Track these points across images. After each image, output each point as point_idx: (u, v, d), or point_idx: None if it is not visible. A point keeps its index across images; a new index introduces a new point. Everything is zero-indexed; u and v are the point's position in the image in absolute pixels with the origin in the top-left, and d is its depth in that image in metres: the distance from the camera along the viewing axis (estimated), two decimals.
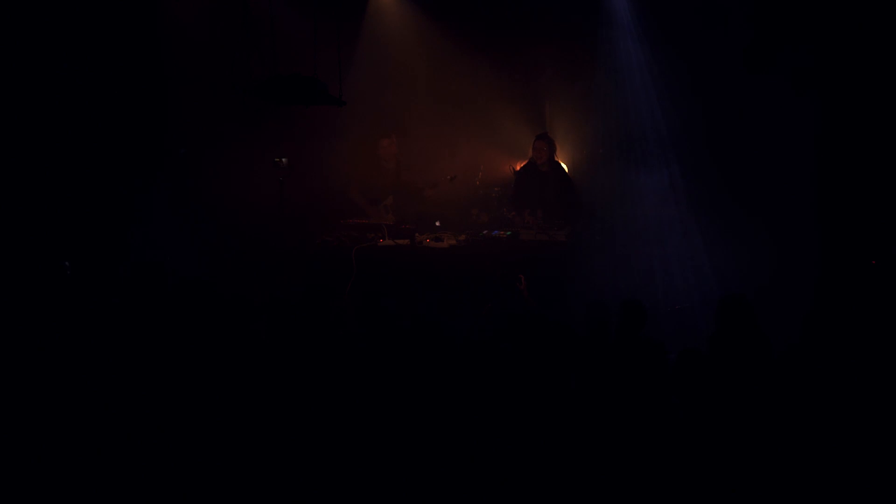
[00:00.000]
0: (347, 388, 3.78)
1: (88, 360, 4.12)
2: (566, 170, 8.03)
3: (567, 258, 6.88)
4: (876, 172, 6.65)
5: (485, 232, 7.31)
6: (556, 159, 7.84)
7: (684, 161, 8.26)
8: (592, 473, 3.28)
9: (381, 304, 4.90)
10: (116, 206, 7.27)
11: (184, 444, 3.52)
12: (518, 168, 7.95)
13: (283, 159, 6.59)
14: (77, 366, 4.07)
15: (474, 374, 3.78)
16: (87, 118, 6.95)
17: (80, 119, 6.90)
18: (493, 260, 6.67)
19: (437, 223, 6.98)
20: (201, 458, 3.45)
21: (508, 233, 7.22)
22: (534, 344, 3.90)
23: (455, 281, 6.48)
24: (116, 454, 3.48)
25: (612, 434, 3.47)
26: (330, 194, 8.16)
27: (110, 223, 7.17)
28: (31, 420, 3.69)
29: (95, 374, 4.00)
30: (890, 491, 3.24)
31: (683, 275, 7.59)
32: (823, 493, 3.24)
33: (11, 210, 6.50)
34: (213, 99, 8.08)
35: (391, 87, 8.87)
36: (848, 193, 6.65)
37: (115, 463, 3.43)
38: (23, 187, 6.51)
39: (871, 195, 6.66)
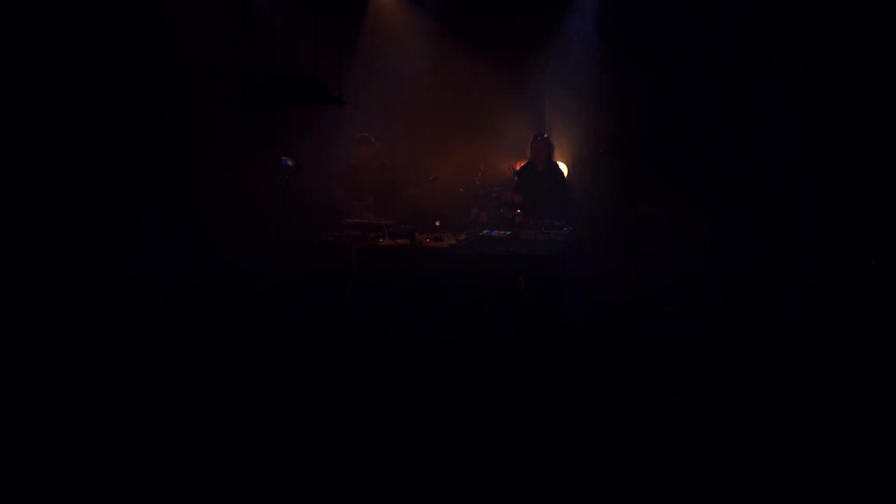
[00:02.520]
0: (346, 388, 3.77)
1: (87, 359, 4.12)
2: (564, 172, 8.03)
3: (567, 258, 6.88)
4: (874, 171, 6.65)
5: (485, 232, 7.31)
6: (554, 160, 7.83)
7: (683, 160, 8.26)
8: (593, 473, 3.28)
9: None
10: (116, 205, 7.27)
11: (183, 444, 3.52)
12: (518, 168, 7.96)
13: (290, 161, 6.59)
14: (76, 365, 4.07)
15: (474, 375, 3.78)
16: (87, 118, 6.94)
17: (80, 119, 6.89)
18: (493, 260, 6.67)
19: (437, 223, 6.98)
20: (200, 459, 3.45)
21: (508, 232, 7.22)
22: (535, 345, 3.89)
23: (455, 280, 6.49)
24: (116, 454, 3.48)
25: (612, 434, 3.47)
26: (330, 194, 8.17)
27: (110, 223, 7.16)
28: (30, 419, 3.69)
29: (95, 373, 3.99)
30: (890, 491, 3.24)
31: (682, 275, 7.59)
32: (823, 494, 3.25)
33: (11, 210, 6.49)
34: (212, 99, 8.07)
35: (391, 87, 8.88)
36: (846, 192, 6.65)
37: (114, 463, 3.43)
38: (22, 187, 6.51)
39: (869, 194, 6.66)
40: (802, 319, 4.56)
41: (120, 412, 3.69)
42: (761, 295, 6.37)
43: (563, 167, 8.15)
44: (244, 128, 8.21)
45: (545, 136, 7.82)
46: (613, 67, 8.39)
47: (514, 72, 8.64)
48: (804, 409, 3.60)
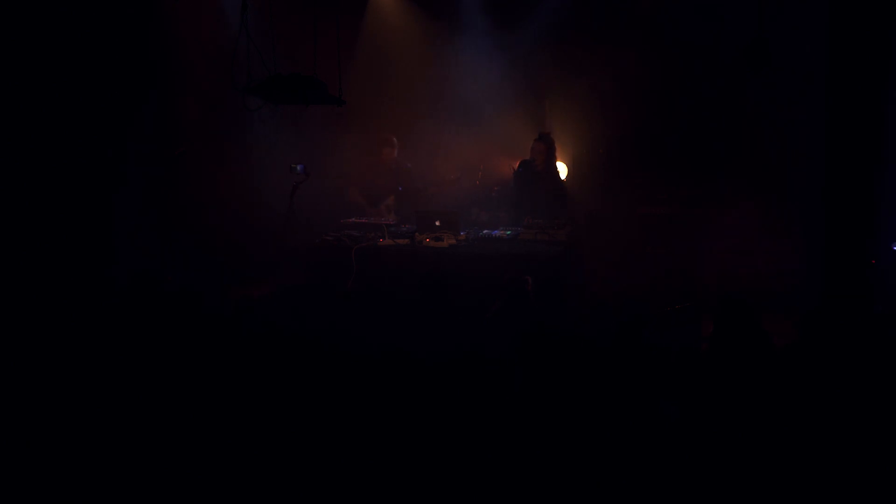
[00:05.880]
0: (343, 395, 3.76)
1: (86, 360, 4.12)
2: (562, 173, 8.02)
3: (567, 258, 6.87)
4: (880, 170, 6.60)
5: (485, 232, 7.31)
6: (554, 161, 7.82)
7: (683, 159, 8.26)
8: (592, 476, 3.27)
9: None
10: (110, 207, 7.24)
11: (182, 445, 3.52)
12: (517, 167, 7.96)
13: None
14: (73, 366, 4.07)
15: (479, 386, 3.76)
16: (79, 117, 6.90)
17: (72, 118, 6.85)
18: (494, 260, 6.65)
19: (437, 223, 6.99)
20: (200, 459, 3.45)
21: (508, 232, 7.23)
22: (540, 354, 3.89)
23: (455, 280, 6.47)
24: (115, 454, 3.48)
25: (612, 436, 3.46)
26: (331, 194, 8.18)
27: (102, 225, 7.13)
28: (30, 420, 3.69)
29: (92, 375, 3.99)
30: (890, 491, 3.24)
31: (682, 274, 7.59)
32: (823, 494, 3.24)
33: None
34: (211, 99, 8.08)
35: (391, 87, 8.89)
36: (851, 191, 6.59)
37: (113, 463, 3.43)
38: (10, 188, 6.47)
39: (875, 192, 6.61)
40: (804, 318, 4.54)
41: (118, 412, 3.68)
42: (763, 293, 6.38)
43: (563, 167, 8.14)
44: (243, 128, 8.22)
45: (546, 135, 7.80)
46: (613, 66, 8.40)
47: (514, 70, 8.65)
48: (804, 408, 3.60)
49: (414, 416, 3.54)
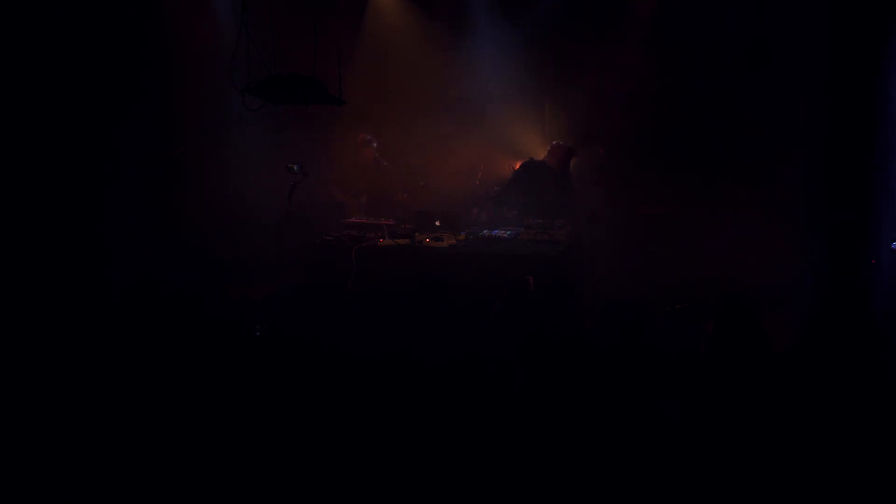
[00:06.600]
0: (344, 389, 3.76)
1: (84, 361, 4.11)
2: (570, 173, 8.04)
3: (567, 258, 6.87)
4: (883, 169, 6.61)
5: (485, 232, 7.31)
6: (568, 167, 7.84)
7: (683, 159, 8.26)
8: (592, 476, 3.27)
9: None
10: (109, 207, 7.23)
11: (183, 445, 3.52)
12: (518, 167, 7.96)
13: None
14: (73, 366, 4.07)
15: (479, 385, 3.76)
16: (76, 116, 6.89)
17: (75, 119, 6.84)
18: (495, 260, 6.65)
19: (437, 223, 6.98)
20: (200, 459, 3.44)
21: (508, 232, 7.23)
22: (542, 353, 3.88)
23: (455, 280, 6.47)
24: (115, 454, 3.48)
25: (612, 436, 3.46)
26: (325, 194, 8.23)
27: (101, 225, 7.12)
28: (30, 420, 3.69)
29: (92, 375, 3.99)
30: (890, 491, 3.23)
31: (682, 274, 7.58)
32: (823, 494, 3.24)
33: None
34: (211, 99, 8.08)
35: (391, 87, 8.89)
36: (853, 190, 6.60)
37: (113, 463, 3.43)
38: (11, 186, 6.46)
39: (877, 192, 6.62)
40: (805, 319, 4.54)
41: (115, 412, 3.68)
42: (763, 293, 6.38)
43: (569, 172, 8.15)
44: (243, 128, 8.21)
45: (566, 146, 7.84)
46: (613, 66, 8.40)
47: (514, 71, 8.65)
48: (803, 409, 3.60)
49: (414, 416, 3.54)
